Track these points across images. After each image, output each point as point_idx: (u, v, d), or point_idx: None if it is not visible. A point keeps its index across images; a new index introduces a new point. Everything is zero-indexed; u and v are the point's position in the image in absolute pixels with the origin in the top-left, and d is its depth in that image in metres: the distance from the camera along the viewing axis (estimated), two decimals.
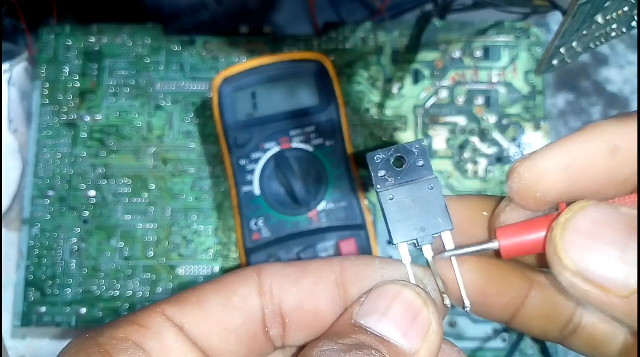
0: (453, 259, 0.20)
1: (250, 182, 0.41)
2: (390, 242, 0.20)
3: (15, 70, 0.48)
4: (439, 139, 0.46)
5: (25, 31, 0.47)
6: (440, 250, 0.20)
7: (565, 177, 0.18)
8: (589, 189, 0.18)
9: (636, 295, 0.16)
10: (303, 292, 0.20)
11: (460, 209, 0.20)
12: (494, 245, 0.19)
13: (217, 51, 0.47)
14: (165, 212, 0.45)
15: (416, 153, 0.20)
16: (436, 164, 0.46)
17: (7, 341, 0.44)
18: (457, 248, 0.20)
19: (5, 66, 0.48)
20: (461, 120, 0.46)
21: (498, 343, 0.43)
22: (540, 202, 0.19)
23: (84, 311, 0.44)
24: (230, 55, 0.47)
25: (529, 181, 0.18)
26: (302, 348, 0.21)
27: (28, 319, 0.43)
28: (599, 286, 0.17)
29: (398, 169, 0.20)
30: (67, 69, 0.47)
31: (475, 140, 0.46)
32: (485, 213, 0.21)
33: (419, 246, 0.20)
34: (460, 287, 0.20)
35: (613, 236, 0.17)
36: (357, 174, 0.42)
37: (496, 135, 0.46)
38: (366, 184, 0.43)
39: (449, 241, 0.20)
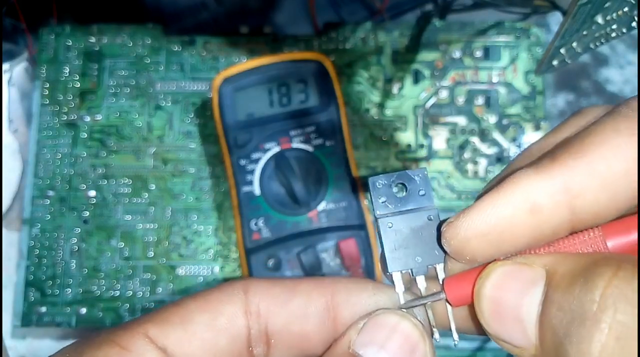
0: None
1: (250, 182, 0.41)
2: (384, 269, 0.20)
3: (15, 70, 0.48)
4: (439, 139, 0.46)
5: (25, 31, 0.47)
6: (430, 276, 0.20)
7: (487, 241, 0.17)
8: (516, 246, 0.18)
9: (541, 349, 0.16)
10: (291, 314, 0.20)
11: None
12: (442, 296, 0.20)
13: (217, 51, 0.47)
14: (165, 212, 0.45)
15: (418, 181, 0.20)
16: (436, 164, 0.46)
17: (7, 341, 0.44)
18: (410, 301, 0.20)
19: (5, 66, 0.48)
20: (461, 120, 0.46)
21: None
22: (473, 262, 0.19)
23: (84, 311, 0.44)
24: (230, 55, 0.47)
25: (455, 248, 0.18)
26: None
27: (28, 319, 0.43)
28: (515, 347, 0.17)
29: (399, 196, 0.20)
30: (67, 69, 0.47)
31: (475, 140, 0.46)
32: None
33: (413, 276, 0.20)
34: (450, 320, 0.20)
35: (510, 299, 0.17)
36: (357, 174, 0.42)
37: (496, 135, 0.46)
38: (366, 184, 0.43)
39: (442, 274, 0.20)
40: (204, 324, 0.19)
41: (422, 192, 0.20)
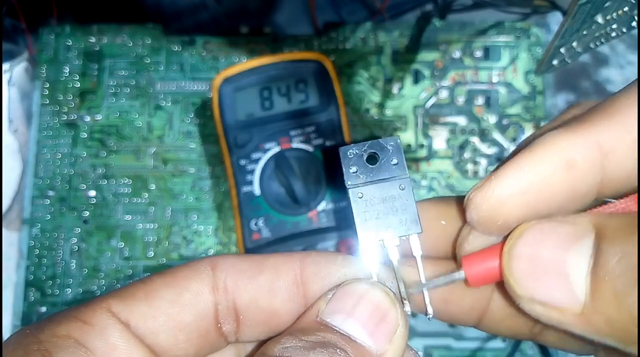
0: (419, 262, 0.20)
1: (250, 182, 0.41)
2: (356, 240, 0.20)
3: (15, 70, 0.48)
4: (439, 139, 0.46)
5: (25, 31, 0.47)
6: (407, 253, 0.20)
7: (524, 201, 0.17)
8: (550, 207, 0.17)
9: (592, 306, 0.16)
10: (259, 289, 0.20)
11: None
12: (460, 275, 0.19)
13: (217, 51, 0.47)
14: (165, 212, 0.45)
15: (391, 150, 0.20)
16: (436, 164, 0.46)
17: None
18: (426, 282, 0.20)
19: (5, 66, 0.48)
20: (461, 120, 0.46)
21: (498, 343, 0.43)
22: (503, 229, 0.18)
23: None
24: (230, 55, 0.47)
25: (487, 212, 0.17)
26: (261, 344, 0.20)
27: (28, 319, 0.43)
28: (553, 307, 0.16)
29: (370, 166, 0.20)
30: (67, 69, 0.47)
31: (475, 140, 0.46)
32: (443, 222, 0.21)
33: (385, 247, 0.20)
34: (425, 295, 0.20)
35: (551, 255, 0.17)
36: None
37: (496, 135, 0.46)
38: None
39: (416, 245, 0.20)
40: (168, 299, 0.19)
41: (394, 162, 0.20)
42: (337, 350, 0.17)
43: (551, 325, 0.17)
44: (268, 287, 0.20)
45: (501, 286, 0.19)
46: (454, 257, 0.21)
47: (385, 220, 0.19)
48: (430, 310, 0.20)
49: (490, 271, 0.19)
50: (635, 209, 0.18)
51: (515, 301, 0.18)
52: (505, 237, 0.18)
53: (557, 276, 0.16)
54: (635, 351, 0.15)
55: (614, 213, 0.17)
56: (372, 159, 0.20)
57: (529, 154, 0.17)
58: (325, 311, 0.19)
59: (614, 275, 0.15)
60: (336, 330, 0.18)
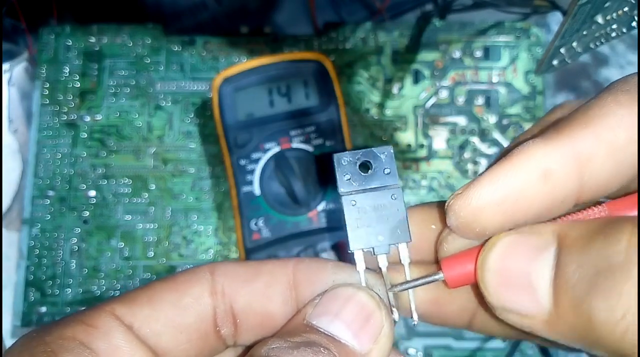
0: (406, 270, 0.20)
1: (250, 182, 0.41)
2: (347, 247, 0.20)
3: (15, 70, 0.48)
4: (439, 139, 0.46)
5: (25, 31, 0.47)
6: (395, 261, 0.20)
7: (501, 210, 0.17)
8: (527, 215, 0.18)
9: (556, 313, 0.16)
10: (255, 293, 0.20)
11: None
12: (439, 277, 0.20)
13: (217, 51, 0.47)
14: (165, 212, 0.45)
15: (383, 159, 0.20)
16: (436, 164, 0.46)
17: (7, 341, 0.44)
18: (406, 282, 0.20)
19: (5, 66, 0.48)
20: (461, 120, 0.46)
21: (498, 343, 0.43)
22: (481, 235, 0.18)
23: None
24: (230, 55, 0.47)
25: (466, 219, 0.18)
26: (250, 347, 0.21)
27: (28, 319, 0.43)
28: (524, 316, 0.17)
29: (363, 174, 0.20)
30: (67, 69, 0.47)
31: (475, 140, 0.46)
32: (433, 226, 0.21)
33: (374, 254, 0.20)
34: (410, 301, 0.20)
35: (518, 267, 0.17)
36: None
37: (496, 135, 0.46)
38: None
39: (404, 253, 0.20)
40: (170, 302, 0.20)
41: (387, 171, 0.20)
42: (321, 349, 0.18)
43: (522, 329, 0.18)
44: (263, 291, 0.20)
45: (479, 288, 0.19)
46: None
47: (376, 228, 0.20)
48: (415, 316, 0.20)
49: (468, 273, 0.19)
50: (605, 215, 0.18)
51: (491, 309, 0.19)
52: (485, 241, 0.19)
53: (525, 286, 0.17)
54: (599, 354, 0.16)
55: (580, 220, 0.18)
56: (365, 167, 0.20)
57: (506, 164, 0.17)
58: (312, 314, 0.19)
59: (571, 284, 0.16)
60: (321, 331, 0.19)
